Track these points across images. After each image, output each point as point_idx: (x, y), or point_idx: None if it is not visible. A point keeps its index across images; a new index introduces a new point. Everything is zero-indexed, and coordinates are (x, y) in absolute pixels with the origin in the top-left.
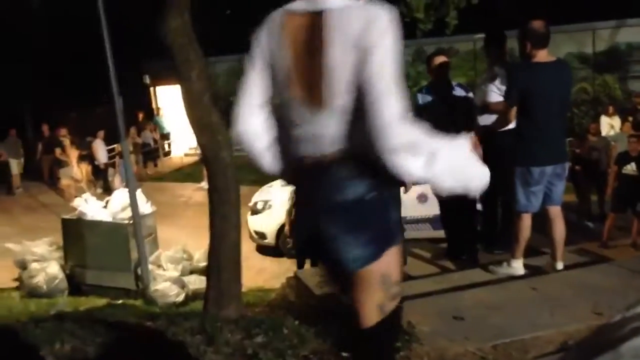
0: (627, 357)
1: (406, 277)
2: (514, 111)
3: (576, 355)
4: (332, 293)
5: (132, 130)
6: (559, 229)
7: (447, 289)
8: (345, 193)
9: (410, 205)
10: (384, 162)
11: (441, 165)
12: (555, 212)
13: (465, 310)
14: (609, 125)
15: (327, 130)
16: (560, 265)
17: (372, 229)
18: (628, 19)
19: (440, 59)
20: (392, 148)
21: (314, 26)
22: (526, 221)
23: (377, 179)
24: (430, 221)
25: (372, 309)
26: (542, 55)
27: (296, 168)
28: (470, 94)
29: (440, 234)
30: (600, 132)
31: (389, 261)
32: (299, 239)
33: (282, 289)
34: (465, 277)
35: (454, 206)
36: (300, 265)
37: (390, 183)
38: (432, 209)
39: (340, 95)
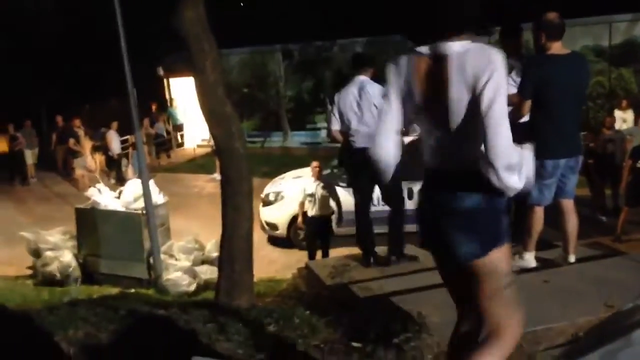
0: (638, 344)
1: (420, 269)
2: (527, 104)
3: (588, 341)
4: (343, 283)
5: (146, 121)
6: (572, 222)
7: None
8: (462, 201)
9: None
10: (491, 178)
11: (524, 176)
12: (568, 205)
13: None
14: (622, 119)
15: (447, 150)
16: (572, 258)
17: (481, 233)
18: None
19: None
20: (503, 167)
21: (438, 69)
22: (539, 214)
23: (489, 192)
24: None
25: (484, 297)
26: (557, 47)
27: (425, 177)
28: None
29: None
30: (614, 126)
31: (497, 257)
32: (421, 232)
33: (293, 279)
34: None
35: None
36: (311, 256)
37: (498, 196)
38: None
39: (459, 123)
